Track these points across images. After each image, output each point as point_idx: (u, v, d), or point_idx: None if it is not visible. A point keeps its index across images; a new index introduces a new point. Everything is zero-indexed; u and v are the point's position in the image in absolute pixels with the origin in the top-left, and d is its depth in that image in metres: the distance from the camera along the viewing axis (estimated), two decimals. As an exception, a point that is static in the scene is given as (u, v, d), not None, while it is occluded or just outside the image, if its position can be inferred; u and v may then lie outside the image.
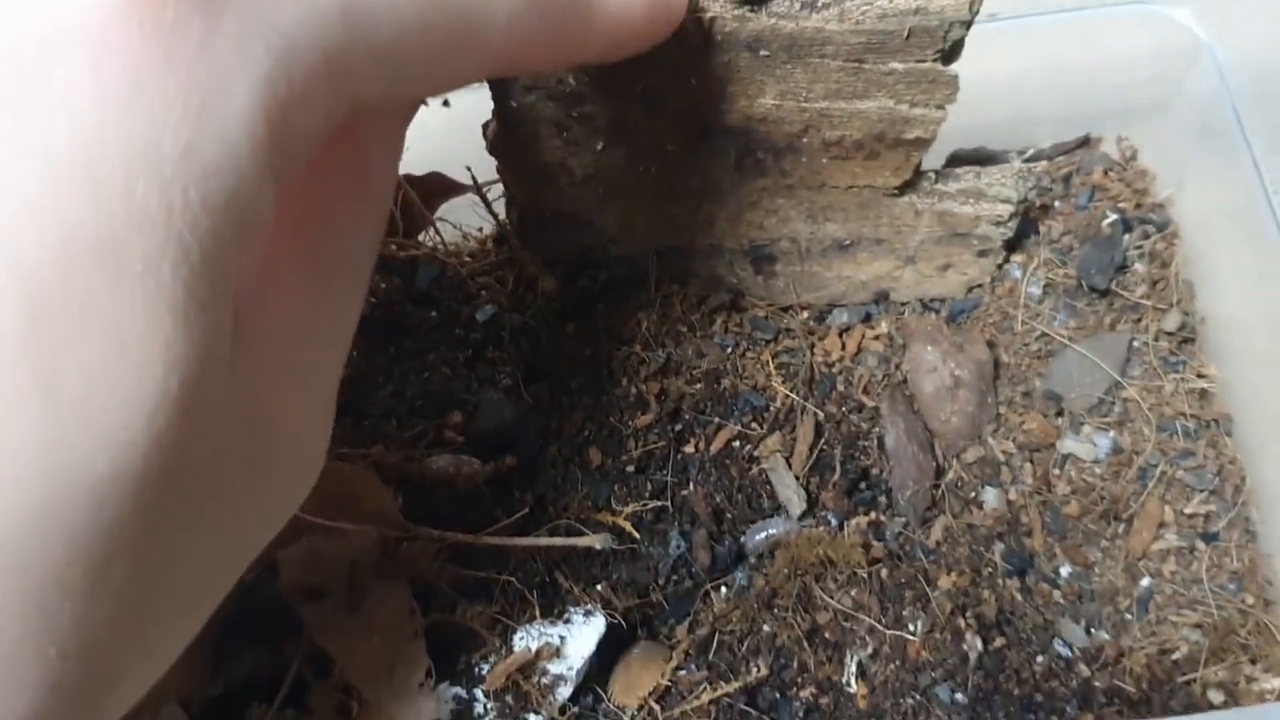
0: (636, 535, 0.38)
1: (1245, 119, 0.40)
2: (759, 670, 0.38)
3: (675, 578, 0.39)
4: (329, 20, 0.18)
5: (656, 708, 0.38)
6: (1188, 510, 0.40)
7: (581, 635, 0.37)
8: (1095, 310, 0.43)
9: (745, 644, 0.38)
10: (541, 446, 0.40)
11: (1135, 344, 0.42)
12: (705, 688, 0.38)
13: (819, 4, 0.33)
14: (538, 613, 0.37)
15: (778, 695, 0.38)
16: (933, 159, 0.46)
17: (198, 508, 0.18)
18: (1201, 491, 0.40)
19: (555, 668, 0.37)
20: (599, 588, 0.38)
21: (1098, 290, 0.43)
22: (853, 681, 0.37)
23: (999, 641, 0.38)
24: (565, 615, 0.38)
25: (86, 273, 0.15)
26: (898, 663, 0.37)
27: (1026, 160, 0.44)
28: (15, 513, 0.15)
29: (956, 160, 0.45)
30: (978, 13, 0.33)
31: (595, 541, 0.37)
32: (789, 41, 0.33)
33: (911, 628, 0.38)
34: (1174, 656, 0.39)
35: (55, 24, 0.16)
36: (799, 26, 0.33)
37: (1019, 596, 0.39)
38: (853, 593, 0.39)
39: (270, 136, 0.18)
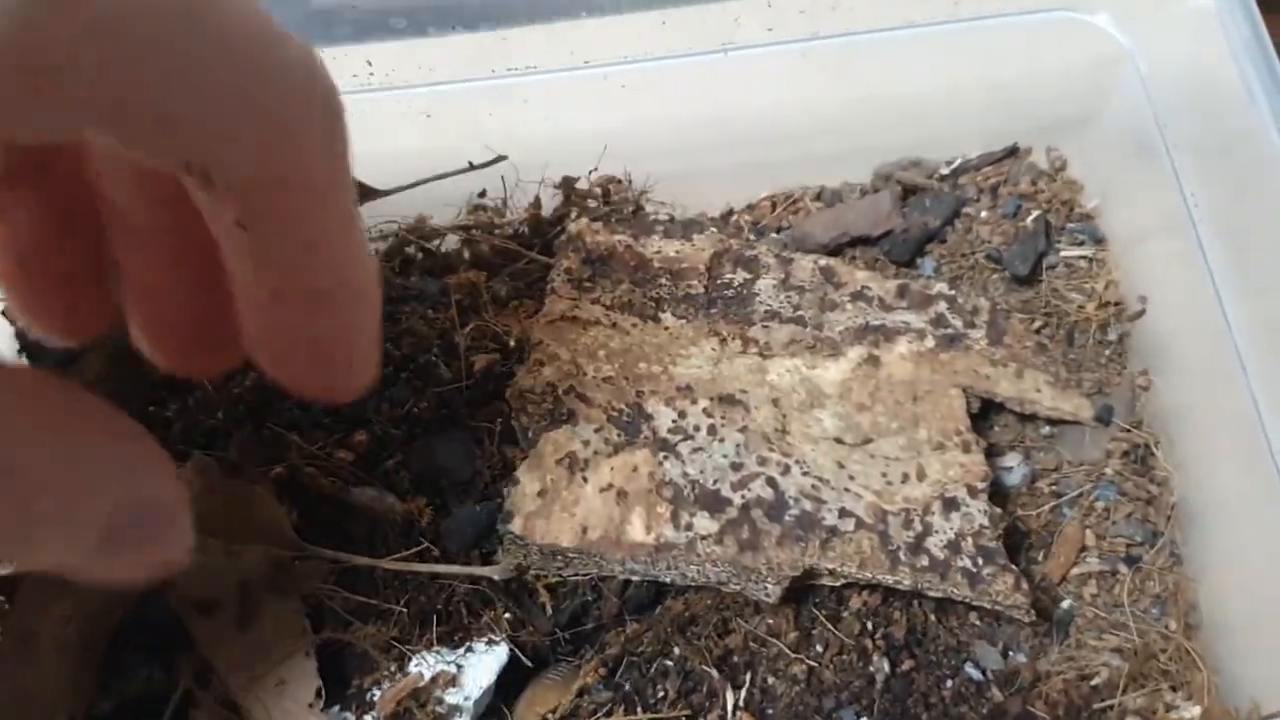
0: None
1: (1166, 129, 0.39)
2: (666, 692, 0.37)
3: (585, 619, 0.38)
4: None
5: (558, 729, 0.37)
6: (1110, 533, 0.39)
7: (481, 664, 0.36)
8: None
9: (654, 666, 0.38)
10: (464, 487, 0.39)
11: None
12: (611, 709, 0.37)
13: None
14: (434, 639, 0.36)
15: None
16: (859, 171, 0.45)
17: None
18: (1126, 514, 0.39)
19: (452, 697, 0.36)
20: (507, 617, 0.37)
21: (1019, 277, 0.42)
22: (760, 705, 0.37)
23: (908, 664, 0.37)
24: (467, 643, 0.37)
25: None
26: (803, 685, 0.36)
27: (953, 171, 0.44)
28: None
29: (880, 174, 0.44)
30: None
31: (494, 572, 0.36)
32: None
33: (819, 648, 0.37)
34: (1093, 682, 0.38)
35: None
36: None
37: (933, 618, 0.38)
38: (768, 619, 0.38)
39: None
